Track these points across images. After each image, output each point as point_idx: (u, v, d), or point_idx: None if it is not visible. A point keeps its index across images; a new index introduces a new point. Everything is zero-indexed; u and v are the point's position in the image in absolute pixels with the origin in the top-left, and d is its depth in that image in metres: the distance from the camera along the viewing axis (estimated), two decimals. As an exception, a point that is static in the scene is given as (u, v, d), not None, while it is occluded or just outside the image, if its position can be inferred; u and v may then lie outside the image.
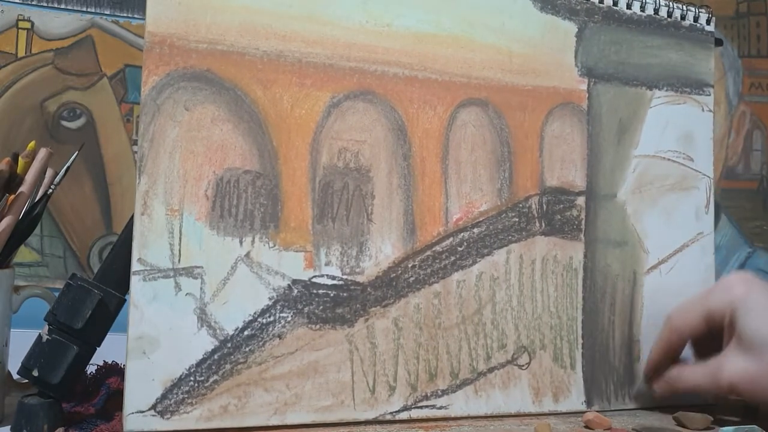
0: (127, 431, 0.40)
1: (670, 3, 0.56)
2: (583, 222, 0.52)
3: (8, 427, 0.43)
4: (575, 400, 0.51)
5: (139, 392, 0.40)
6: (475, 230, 0.49)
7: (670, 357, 0.51)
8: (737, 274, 0.49)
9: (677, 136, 0.56)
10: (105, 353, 0.48)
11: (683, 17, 0.57)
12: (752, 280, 0.47)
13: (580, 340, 0.52)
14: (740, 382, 0.45)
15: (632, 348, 0.53)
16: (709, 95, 0.58)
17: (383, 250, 0.47)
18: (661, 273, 0.55)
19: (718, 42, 0.59)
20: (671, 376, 0.50)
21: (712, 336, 0.49)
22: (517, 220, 0.50)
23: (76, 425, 0.43)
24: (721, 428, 0.45)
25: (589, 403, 0.51)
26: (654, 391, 0.52)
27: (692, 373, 0.49)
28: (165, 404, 0.41)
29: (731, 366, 0.46)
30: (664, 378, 0.51)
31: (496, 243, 0.50)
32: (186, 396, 0.41)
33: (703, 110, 0.57)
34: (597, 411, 0.49)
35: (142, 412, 0.40)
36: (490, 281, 0.49)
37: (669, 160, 0.56)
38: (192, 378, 0.42)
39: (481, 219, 0.49)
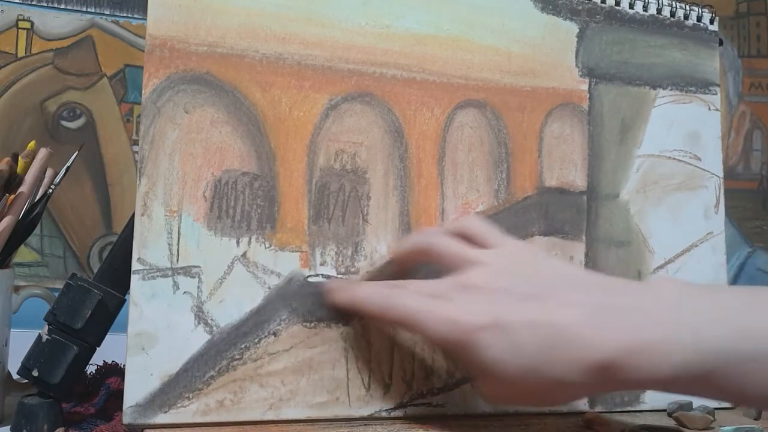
0: (126, 424, 0.41)
1: (673, 2, 0.56)
2: (584, 222, 0.53)
3: (8, 427, 0.43)
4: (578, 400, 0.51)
5: (137, 386, 0.41)
6: (471, 231, 0.49)
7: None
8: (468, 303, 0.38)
9: (683, 135, 0.56)
10: (105, 353, 0.49)
11: (686, 17, 0.57)
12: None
13: (581, 340, 0.52)
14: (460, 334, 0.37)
15: None
16: (716, 94, 0.57)
17: (378, 250, 0.47)
18: (669, 273, 0.54)
19: (719, 42, 0.59)
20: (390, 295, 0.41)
21: None
22: (515, 220, 0.51)
23: (76, 425, 0.44)
24: (722, 428, 0.45)
25: (592, 403, 0.51)
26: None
27: (411, 298, 0.40)
28: (163, 398, 0.41)
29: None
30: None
31: (493, 243, 0.50)
32: (183, 390, 0.42)
33: (709, 109, 0.57)
34: (603, 412, 0.49)
35: (141, 405, 0.41)
36: (487, 281, 0.49)
37: (675, 159, 0.56)
38: (189, 373, 0.42)
39: (477, 219, 0.50)
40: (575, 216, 0.52)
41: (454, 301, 0.38)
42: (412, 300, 0.39)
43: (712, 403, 0.49)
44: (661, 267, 0.54)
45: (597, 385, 0.36)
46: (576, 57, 0.53)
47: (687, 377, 0.34)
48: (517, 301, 0.37)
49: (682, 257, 0.55)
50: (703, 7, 0.58)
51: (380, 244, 0.47)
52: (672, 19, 0.56)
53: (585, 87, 0.53)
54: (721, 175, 0.57)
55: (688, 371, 0.33)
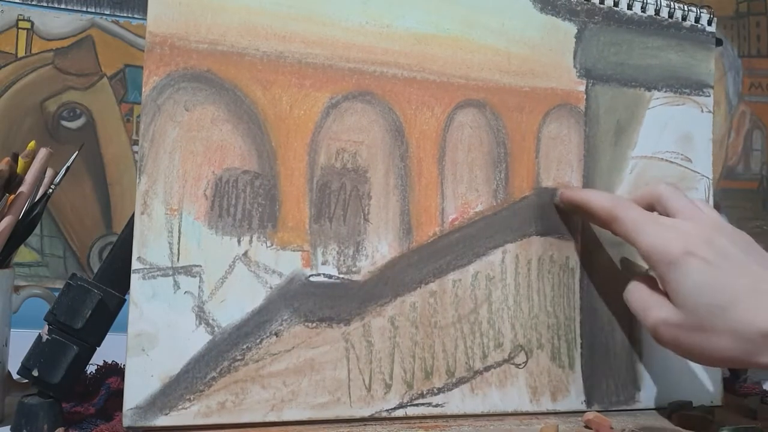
0: (126, 427, 0.40)
1: (671, 3, 0.56)
2: (579, 222, 0.53)
3: (8, 427, 0.43)
4: (574, 399, 0.51)
5: (138, 388, 0.41)
6: (471, 230, 0.49)
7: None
8: (684, 224, 0.44)
9: (676, 137, 0.56)
10: (105, 353, 0.49)
11: (684, 18, 0.57)
12: (697, 238, 0.43)
13: (579, 340, 0.52)
14: (663, 331, 0.43)
15: (633, 348, 0.53)
16: (709, 96, 0.58)
17: (380, 250, 0.47)
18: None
19: (718, 42, 0.59)
20: (627, 290, 0.47)
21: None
22: (512, 220, 0.51)
23: (76, 425, 0.44)
24: (721, 428, 0.45)
25: (589, 402, 0.51)
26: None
27: (638, 291, 0.46)
28: (164, 400, 0.41)
29: (659, 312, 0.43)
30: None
31: (492, 243, 0.50)
32: (184, 392, 0.42)
33: (702, 111, 0.57)
34: (597, 411, 0.50)
35: (141, 407, 0.41)
36: (486, 281, 0.49)
37: (667, 161, 0.56)
38: (190, 374, 0.42)
39: (476, 219, 0.50)
40: (571, 216, 0.52)
41: (674, 227, 0.44)
42: (637, 210, 0.46)
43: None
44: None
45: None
46: (574, 58, 0.53)
47: None
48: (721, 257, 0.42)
49: None
50: (702, 7, 0.58)
51: (381, 244, 0.47)
52: (670, 20, 0.56)
53: (582, 88, 0.53)
54: (711, 176, 0.57)
55: None
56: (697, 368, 0.55)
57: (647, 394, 0.53)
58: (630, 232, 0.45)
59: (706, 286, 0.41)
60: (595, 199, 0.48)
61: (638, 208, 0.46)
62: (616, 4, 0.55)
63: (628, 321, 0.53)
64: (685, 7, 0.57)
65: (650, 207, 0.48)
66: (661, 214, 0.47)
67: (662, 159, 0.56)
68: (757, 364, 0.40)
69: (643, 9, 0.56)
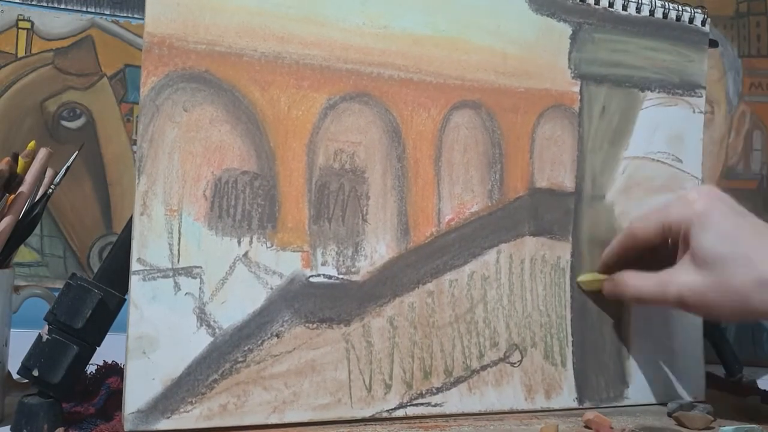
0: (127, 431, 0.40)
1: (666, 4, 0.57)
2: (571, 223, 0.53)
3: (8, 427, 0.43)
4: (567, 396, 0.51)
5: (139, 391, 0.41)
6: (467, 231, 0.50)
7: (622, 258, 0.52)
8: (701, 188, 0.49)
9: (667, 137, 0.56)
10: (105, 353, 0.49)
11: (678, 18, 0.57)
12: (715, 196, 0.47)
13: (570, 338, 0.52)
14: (688, 295, 0.46)
15: (622, 345, 0.54)
16: (701, 97, 0.58)
17: (378, 250, 0.47)
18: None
19: (713, 43, 0.59)
20: (620, 278, 0.50)
21: (668, 250, 0.50)
22: (506, 220, 0.51)
23: (76, 425, 0.44)
24: (721, 428, 0.45)
25: (580, 400, 0.52)
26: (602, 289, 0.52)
27: (641, 278, 0.49)
28: (165, 403, 0.41)
29: (681, 279, 0.46)
30: (613, 279, 0.51)
31: (487, 243, 0.50)
32: (186, 395, 0.42)
33: (694, 112, 0.57)
34: (590, 407, 0.50)
35: (142, 411, 0.41)
36: (481, 280, 0.50)
37: (658, 161, 0.56)
38: (191, 377, 0.42)
39: (472, 219, 0.50)
40: (563, 217, 0.53)
41: (689, 196, 0.48)
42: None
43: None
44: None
45: None
46: (569, 59, 0.53)
47: None
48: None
49: None
50: (696, 8, 0.58)
51: (379, 244, 0.47)
52: (664, 20, 0.57)
53: (576, 89, 0.54)
54: (701, 176, 0.58)
55: None
56: (682, 365, 0.56)
57: (635, 390, 0.54)
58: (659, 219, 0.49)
59: (731, 235, 0.44)
60: (644, 291, 0.49)
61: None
62: (611, 5, 0.55)
63: (617, 319, 0.54)
64: (680, 7, 0.57)
65: (665, 230, 0.49)
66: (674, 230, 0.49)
67: (654, 159, 0.56)
68: None
69: (638, 10, 0.56)
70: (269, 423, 0.43)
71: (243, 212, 0.44)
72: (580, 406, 0.51)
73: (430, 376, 0.48)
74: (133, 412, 0.41)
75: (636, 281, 0.49)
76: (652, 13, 0.56)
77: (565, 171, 0.53)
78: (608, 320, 0.54)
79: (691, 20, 0.58)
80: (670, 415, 0.50)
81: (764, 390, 0.61)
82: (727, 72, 0.96)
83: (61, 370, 0.43)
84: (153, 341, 0.41)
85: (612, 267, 0.52)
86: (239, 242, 0.44)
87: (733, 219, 0.45)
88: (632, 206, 0.55)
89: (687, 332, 0.56)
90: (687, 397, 0.54)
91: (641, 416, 0.51)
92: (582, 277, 0.53)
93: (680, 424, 0.49)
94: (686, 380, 0.56)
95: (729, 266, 0.44)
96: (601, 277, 0.52)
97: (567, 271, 0.53)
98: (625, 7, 0.55)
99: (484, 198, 0.51)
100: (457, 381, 0.48)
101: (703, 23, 0.58)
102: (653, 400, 0.54)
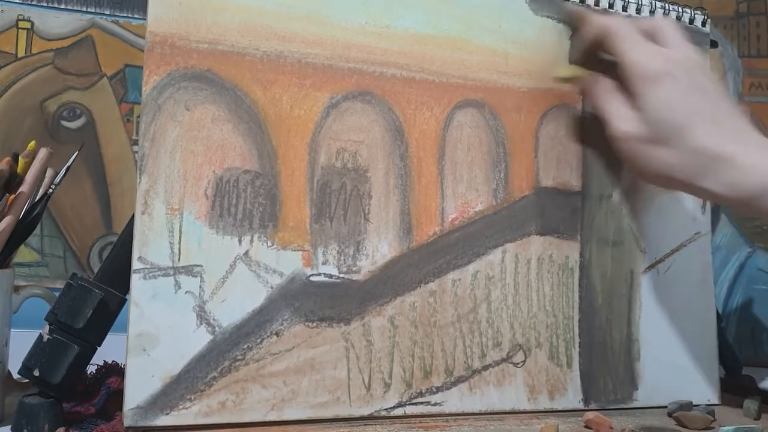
0: (127, 427, 0.40)
1: (666, 5, 0.57)
2: (578, 222, 0.53)
3: (9, 427, 0.43)
4: (572, 398, 0.51)
5: (138, 388, 0.41)
6: (471, 230, 0.50)
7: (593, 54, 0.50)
8: (678, 52, 0.46)
9: None
10: (105, 353, 0.49)
11: (679, 19, 0.57)
12: (681, 63, 0.45)
13: (577, 339, 0.52)
14: (624, 143, 0.46)
15: (631, 347, 0.54)
16: None
17: (380, 250, 0.47)
18: (659, 272, 0.55)
19: (713, 43, 0.59)
20: (595, 88, 0.48)
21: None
22: (512, 220, 0.51)
23: (77, 425, 0.43)
24: (722, 428, 0.45)
25: (586, 401, 0.51)
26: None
27: (603, 93, 0.48)
28: (164, 400, 0.41)
29: (626, 125, 0.46)
30: (593, 81, 0.49)
31: (491, 242, 0.50)
32: (185, 392, 0.42)
33: None
34: (595, 410, 0.50)
35: (142, 407, 0.41)
36: (485, 280, 0.50)
37: None
38: (191, 374, 0.42)
39: (476, 219, 0.50)
40: (570, 216, 0.53)
41: (661, 52, 0.46)
42: (632, 29, 0.47)
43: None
44: (651, 267, 0.55)
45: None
46: (570, 59, 0.53)
47: None
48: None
49: (671, 257, 0.55)
50: (696, 9, 0.58)
51: (381, 243, 0.47)
52: (665, 21, 0.56)
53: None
54: None
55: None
56: (695, 368, 0.55)
57: (645, 393, 0.53)
58: (620, 46, 0.47)
59: (673, 103, 0.44)
60: (595, 16, 0.49)
61: (634, 28, 0.47)
62: (611, 6, 0.55)
63: (627, 320, 0.54)
64: (680, 8, 0.57)
65: (649, 37, 0.48)
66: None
67: None
68: (698, 188, 0.44)
69: (638, 11, 0.56)
70: (268, 420, 0.43)
71: (244, 211, 0.44)
72: (586, 408, 0.51)
73: (431, 375, 0.48)
74: (132, 408, 0.41)
75: (607, 98, 0.47)
76: (652, 13, 0.56)
77: (571, 170, 0.53)
78: (618, 321, 0.53)
79: (691, 21, 0.58)
80: (670, 415, 0.50)
81: (764, 390, 0.61)
82: (727, 72, 0.96)
83: (61, 370, 0.42)
84: (153, 339, 0.41)
85: (585, 62, 0.51)
86: (240, 241, 0.44)
87: (683, 91, 0.45)
88: (641, 205, 0.55)
89: (701, 333, 0.56)
90: (701, 401, 0.53)
91: (641, 416, 0.51)
92: (561, 72, 0.51)
93: (680, 424, 0.49)
94: (699, 383, 0.55)
95: (665, 132, 0.44)
96: (582, 72, 0.50)
97: (576, 271, 0.52)
98: (625, 8, 0.55)
99: (489, 197, 0.50)
100: (458, 380, 0.48)
101: (704, 24, 0.58)
102: (663, 403, 0.53)
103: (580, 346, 0.52)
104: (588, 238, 0.53)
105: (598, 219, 0.54)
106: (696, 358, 0.55)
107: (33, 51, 0.82)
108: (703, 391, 0.55)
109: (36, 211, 0.48)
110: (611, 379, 0.53)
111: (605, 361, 0.53)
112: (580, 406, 0.51)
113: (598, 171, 0.54)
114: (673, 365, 0.54)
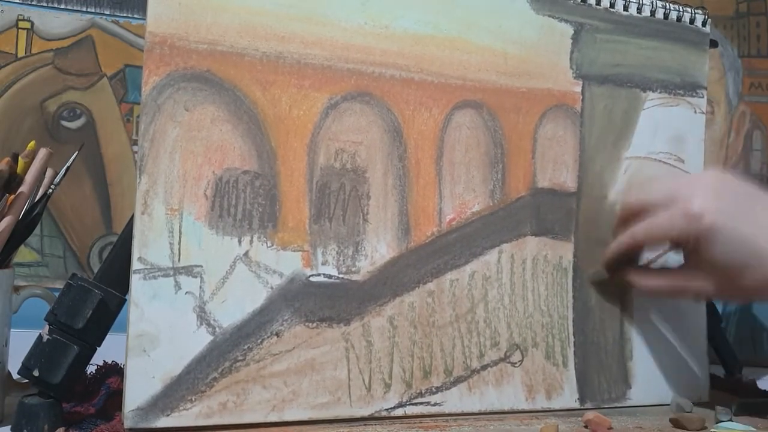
0: (127, 428, 0.40)
1: (667, 4, 0.57)
2: (573, 222, 0.53)
3: (8, 427, 0.43)
4: (568, 397, 0.51)
5: (139, 389, 0.41)
6: (468, 230, 0.50)
7: (628, 257, 0.53)
8: (702, 192, 0.47)
9: (669, 137, 0.57)
10: (105, 353, 0.49)
11: (679, 19, 0.57)
12: (717, 202, 0.47)
13: (572, 338, 0.52)
14: (701, 296, 0.51)
15: (624, 346, 0.54)
16: (702, 97, 0.58)
17: (378, 250, 0.47)
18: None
19: (713, 43, 0.59)
20: (634, 277, 0.52)
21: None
22: (508, 220, 0.51)
23: (76, 425, 0.44)
24: (722, 428, 0.45)
25: (582, 400, 0.52)
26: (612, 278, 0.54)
27: (654, 278, 0.52)
28: (165, 401, 0.41)
29: (696, 285, 0.49)
30: (627, 274, 0.53)
31: (488, 243, 0.50)
32: (185, 393, 0.42)
33: (695, 112, 0.58)
34: (591, 408, 0.50)
35: (142, 408, 0.41)
36: (482, 280, 0.50)
37: (660, 161, 0.56)
38: (191, 375, 0.42)
39: (473, 219, 0.50)
40: (565, 217, 0.53)
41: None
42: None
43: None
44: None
45: None
46: (570, 59, 0.53)
47: None
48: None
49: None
50: (696, 9, 0.58)
51: (380, 244, 0.47)
52: (665, 21, 0.57)
53: (578, 89, 0.54)
54: None
55: None
56: (685, 365, 0.56)
57: (638, 391, 0.54)
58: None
59: (740, 241, 0.46)
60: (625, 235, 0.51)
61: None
62: (612, 6, 0.55)
63: (619, 319, 0.54)
64: (680, 8, 0.57)
65: (671, 243, 0.51)
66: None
67: (656, 159, 0.56)
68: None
69: (639, 11, 0.56)
70: (268, 421, 0.43)
71: (244, 212, 0.44)
72: (582, 407, 0.51)
73: (430, 375, 0.48)
74: (132, 410, 0.41)
75: (649, 282, 0.51)
76: (653, 13, 0.56)
77: (567, 171, 0.53)
78: (611, 321, 0.54)
79: (691, 21, 0.58)
80: (669, 415, 0.50)
81: (764, 390, 0.61)
82: (727, 72, 0.96)
83: (61, 371, 0.43)
84: (153, 339, 0.41)
85: (618, 262, 0.53)
86: (240, 241, 0.44)
87: (741, 221, 0.46)
88: None
89: (690, 333, 0.56)
90: (690, 398, 0.54)
91: (641, 416, 0.51)
92: (594, 277, 0.53)
93: (678, 425, 0.49)
94: (690, 381, 0.56)
95: (740, 270, 0.46)
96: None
97: (569, 271, 0.53)
98: (626, 8, 0.55)
99: (486, 198, 0.51)
100: (457, 380, 0.48)
101: (704, 24, 0.58)
102: (656, 401, 0.54)
103: (575, 346, 0.52)
104: (582, 238, 0.53)
105: (592, 220, 0.54)
106: (686, 357, 0.56)
107: (33, 51, 0.82)
108: (693, 389, 0.55)
109: (36, 211, 0.48)
110: (605, 378, 0.53)
111: (599, 360, 0.53)
112: (576, 405, 0.51)
113: (594, 172, 0.54)
114: (665, 364, 0.55)
